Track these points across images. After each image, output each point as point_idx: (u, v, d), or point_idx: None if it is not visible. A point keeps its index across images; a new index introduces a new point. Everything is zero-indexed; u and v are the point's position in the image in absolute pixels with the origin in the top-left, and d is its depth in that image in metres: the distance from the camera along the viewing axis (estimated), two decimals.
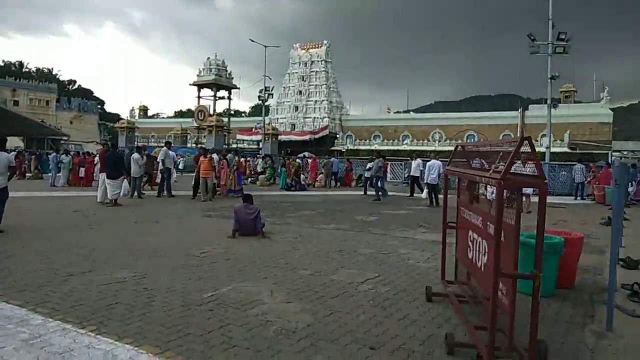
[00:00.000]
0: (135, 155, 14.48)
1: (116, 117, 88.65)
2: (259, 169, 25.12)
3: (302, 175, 22.28)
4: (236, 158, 17.03)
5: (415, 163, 19.08)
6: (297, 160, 23.25)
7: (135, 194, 14.42)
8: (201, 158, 14.65)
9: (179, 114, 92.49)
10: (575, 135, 46.61)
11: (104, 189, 12.68)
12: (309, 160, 26.65)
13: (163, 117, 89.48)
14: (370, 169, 17.49)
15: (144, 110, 79.95)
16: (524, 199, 11.64)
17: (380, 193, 16.03)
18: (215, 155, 15.70)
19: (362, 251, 7.41)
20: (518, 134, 49.52)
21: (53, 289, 5.03)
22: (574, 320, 4.57)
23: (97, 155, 18.66)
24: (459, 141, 49.76)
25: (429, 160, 15.70)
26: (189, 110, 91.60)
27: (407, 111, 71.85)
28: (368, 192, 18.10)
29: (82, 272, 5.75)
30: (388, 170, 29.95)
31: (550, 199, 10.27)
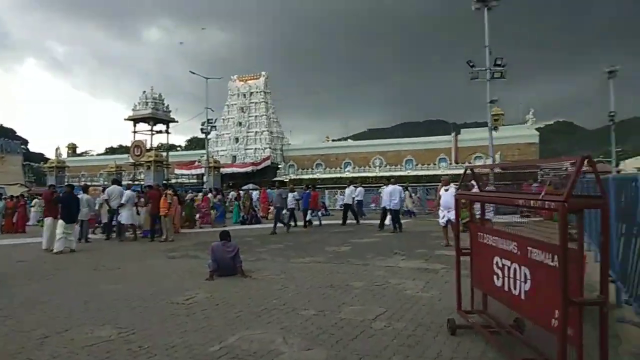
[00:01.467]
0: (85, 196, 13.39)
1: (41, 157, 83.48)
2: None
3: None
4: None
5: (349, 190, 18.86)
6: (251, 192, 22.60)
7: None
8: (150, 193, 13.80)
9: (111, 151, 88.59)
10: (506, 156, 49.13)
11: (50, 234, 11.54)
12: (253, 192, 26.16)
13: (93, 155, 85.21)
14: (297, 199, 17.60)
15: (72, 148, 75.58)
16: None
17: (279, 225, 15.49)
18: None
19: (354, 284, 7.07)
20: (453, 157, 51.61)
21: (30, 356, 4.29)
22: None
23: (33, 199, 17.19)
24: (398, 166, 51.15)
25: (385, 186, 15.74)
26: (120, 146, 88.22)
27: (345, 138, 73.10)
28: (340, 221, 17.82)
29: (57, 332, 5.01)
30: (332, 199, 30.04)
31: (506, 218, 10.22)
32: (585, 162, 3.04)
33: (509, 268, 4.16)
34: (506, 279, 4.21)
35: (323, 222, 18.09)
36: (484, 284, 4.80)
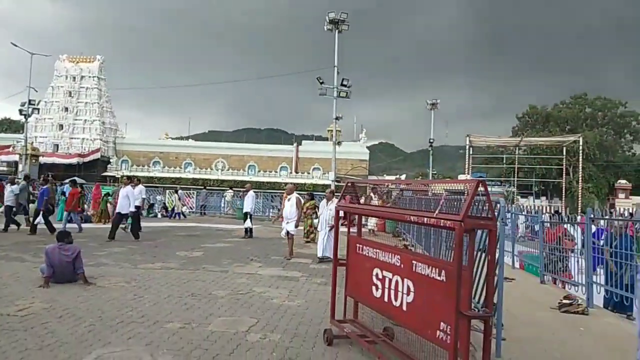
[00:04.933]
0: None
1: None
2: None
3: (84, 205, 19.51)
4: None
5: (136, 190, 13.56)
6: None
7: None
8: None
9: None
10: (340, 169, 52.47)
11: None
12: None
13: None
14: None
15: None
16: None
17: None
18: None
19: (217, 293, 6.75)
20: (293, 167, 53.35)
21: None
22: None
23: None
24: (241, 171, 50.97)
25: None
26: None
27: (186, 138, 70.33)
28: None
29: None
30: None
31: None
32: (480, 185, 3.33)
33: (390, 280, 4.34)
34: (386, 290, 4.38)
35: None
36: (360, 295, 4.95)
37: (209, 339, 4.71)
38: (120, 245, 11.26)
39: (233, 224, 19.31)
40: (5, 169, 43.17)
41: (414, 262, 3.99)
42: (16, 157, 39.77)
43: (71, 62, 52.22)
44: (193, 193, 27.72)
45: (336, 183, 52.84)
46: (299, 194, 12.94)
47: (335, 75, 25.51)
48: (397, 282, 4.23)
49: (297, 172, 51.53)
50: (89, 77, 51.61)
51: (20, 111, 33.47)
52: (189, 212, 25.59)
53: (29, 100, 33.07)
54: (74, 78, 51.35)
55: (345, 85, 25.32)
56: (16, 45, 32.64)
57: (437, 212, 3.61)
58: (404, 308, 4.08)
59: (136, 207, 13.21)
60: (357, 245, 5.03)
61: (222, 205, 26.90)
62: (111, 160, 49.39)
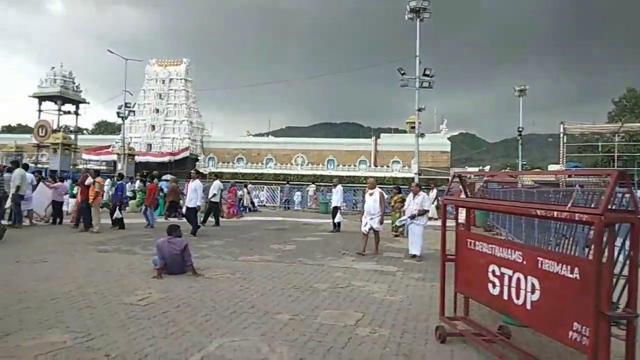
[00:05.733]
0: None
1: None
2: (127, 192, 22.59)
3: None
4: None
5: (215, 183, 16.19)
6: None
7: None
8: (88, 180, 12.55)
9: (7, 129, 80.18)
10: (420, 161, 51.35)
11: None
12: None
13: None
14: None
15: None
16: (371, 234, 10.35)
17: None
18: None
19: (318, 286, 6.83)
20: (372, 160, 53.04)
21: None
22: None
23: None
24: (320, 165, 51.52)
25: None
26: (20, 125, 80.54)
27: (266, 134, 72.31)
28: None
29: None
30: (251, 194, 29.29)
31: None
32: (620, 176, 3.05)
33: (510, 277, 4.12)
34: (506, 287, 4.17)
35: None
36: (473, 292, 4.76)
37: (320, 331, 4.76)
38: (219, 238, 11.78)
39: (318, 218, 19.56)
40: (104, 167, 46.87)
41: (539, 258, 3.76)
42: (114, 157, 43.00)
43: (160, 66, 55.37)
44: (277, 188, 28.43)
45: (419, 176, 51.85)
46: (381, 187, 12.81)
47: (417, 65, 24.91)
48: (518, 279, 4.01)
49: (376, 166, 51.16)
50: (177, 79, 54.45)
51: (118, 114, 36.10)
52: (265, 206, 26.67)
53: (125, 104, 35.56)
54: (163, 81, 54.40)
55: (427, 75, 24.67)
56: (112, 52, 35.10)
57: (569, 205, 3.37)
58: (528, 307, 3.85)
59: (212, 201, 15.61)
60: (468, 240, 4.84)
61: (305, 199, 27.36)
62: (199, 158, 51.94)
